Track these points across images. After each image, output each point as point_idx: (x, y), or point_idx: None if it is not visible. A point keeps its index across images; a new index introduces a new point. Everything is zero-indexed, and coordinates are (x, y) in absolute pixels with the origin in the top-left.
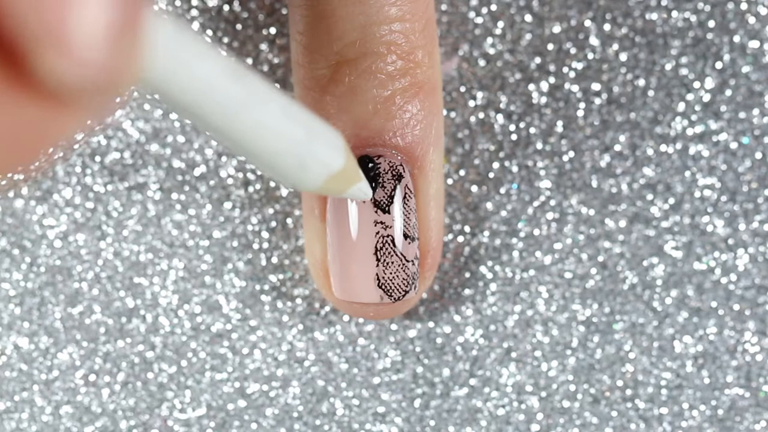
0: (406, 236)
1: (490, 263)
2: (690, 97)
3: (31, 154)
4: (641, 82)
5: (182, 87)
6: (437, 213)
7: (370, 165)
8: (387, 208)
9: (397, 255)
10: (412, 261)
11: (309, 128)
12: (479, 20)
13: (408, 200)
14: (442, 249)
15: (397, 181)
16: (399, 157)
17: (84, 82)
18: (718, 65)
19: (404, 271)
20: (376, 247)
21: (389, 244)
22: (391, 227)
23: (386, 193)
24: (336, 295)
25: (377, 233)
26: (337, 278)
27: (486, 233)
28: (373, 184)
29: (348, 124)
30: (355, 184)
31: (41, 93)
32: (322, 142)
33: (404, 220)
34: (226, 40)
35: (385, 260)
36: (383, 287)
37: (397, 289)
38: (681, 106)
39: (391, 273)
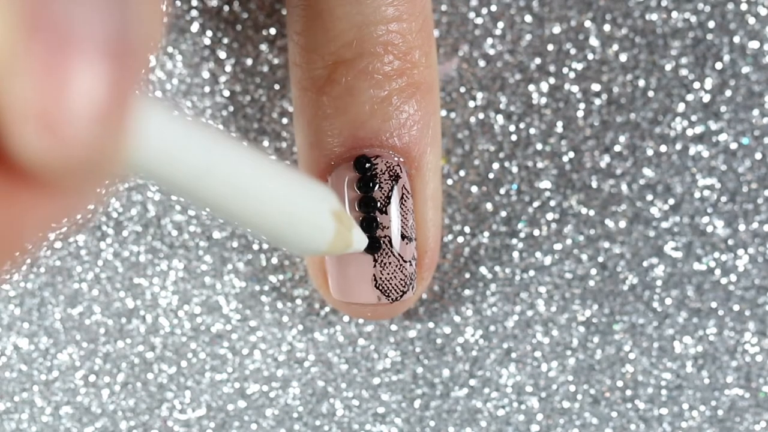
0: (403, 237)
1: (490, 264)
2: (690, 97)
3: (8, 244)
4: (641, 83)
5: (175, 171)
6: (435, 213)
7: (368, 165)
8: (384, 209)
9: (394, 255)
10: (410, 261)
11: (304, 199)
12: (479, 21)
13: (405, 201)
14: (440, 249)
15: (394, 182)
16: (396, 158)
17: (69, 163)
18: (718, 66)
19: (402, 271)
20: None
21: (386, 245)
22: (388, 228)
23: (383, 194)
24: (334, 295)
25: None
26: (334, 279)
27: (486, 234)
28: (371, 185)
29: (345, 124)
30: (351, 245)
31: (20, 175)
32: (317, 211)
33: (402, 220)
34: (226, 40)
35: (382, 261)
36: (381, 288)
37: (395, 290)
38: (681, 107)
39: (388, 273)
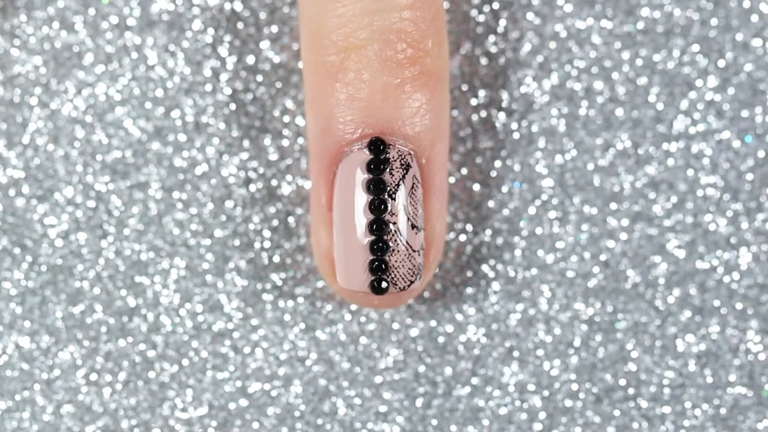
0: (412, 226)
1: (492, 262)
2: (693, 95)
3: None
4: (643, 81)
5: None
6: (441, 205)
7: (381, 147)
8: (394, 197)
9: (403, 245)
10: (418, 251)
11: None
12: (481, 18)
13: (415, 190)
14: (445, 240)
15: (405, 171)
16: (407, 147)
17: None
18: (721, 63)
19: (410, 260)
20: None
21: (396, 234)
22: (397, 215)
23: (394, 182)
24: (341, 284)
25: None
26: (342, 267)
27: (488, 232)
28: (382, 167)
29: (357, 111)
30: None
31: None
32: None
33: (411, 210)
34: (227, 38)
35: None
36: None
37: (403, 279)
38: (683, 105)
39: (396, 262)
